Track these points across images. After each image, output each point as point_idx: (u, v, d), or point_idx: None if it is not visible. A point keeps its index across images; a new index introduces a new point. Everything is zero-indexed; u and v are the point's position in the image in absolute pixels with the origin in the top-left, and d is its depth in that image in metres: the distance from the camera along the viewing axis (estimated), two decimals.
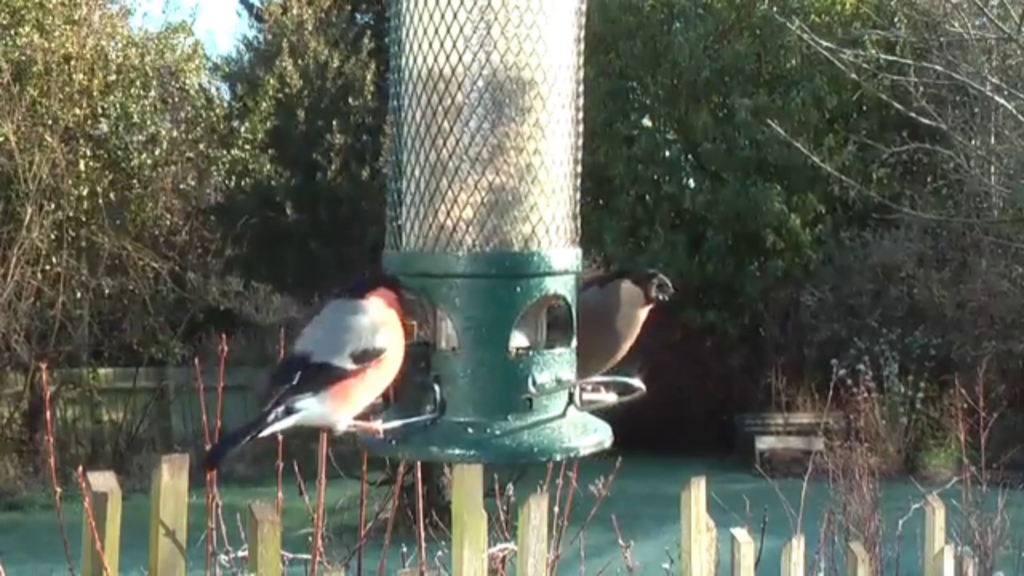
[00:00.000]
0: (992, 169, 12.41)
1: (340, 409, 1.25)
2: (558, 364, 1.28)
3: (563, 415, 1.27)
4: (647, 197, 15.73)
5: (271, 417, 1.22)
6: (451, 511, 2.07)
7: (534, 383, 1.25)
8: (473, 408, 1.25)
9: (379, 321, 1.27)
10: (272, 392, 1.24)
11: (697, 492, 2.49)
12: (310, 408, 1.24)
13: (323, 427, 1.29)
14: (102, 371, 13.98)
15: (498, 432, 1.24)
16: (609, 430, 1.30)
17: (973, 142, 12.25)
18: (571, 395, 1.28)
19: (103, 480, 1.76)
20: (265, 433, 1.24)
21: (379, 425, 1.27)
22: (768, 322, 14.81)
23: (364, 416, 1.28)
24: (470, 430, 1.24)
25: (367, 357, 1.25)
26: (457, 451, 1.25)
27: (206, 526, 2.10)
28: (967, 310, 13.59)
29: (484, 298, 1.25)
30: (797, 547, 2.80)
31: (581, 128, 1.33)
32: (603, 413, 1.34)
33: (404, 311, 1.29)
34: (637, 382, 1.29)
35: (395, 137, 1.34)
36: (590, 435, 1.28)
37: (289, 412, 1.23)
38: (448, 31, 1.26)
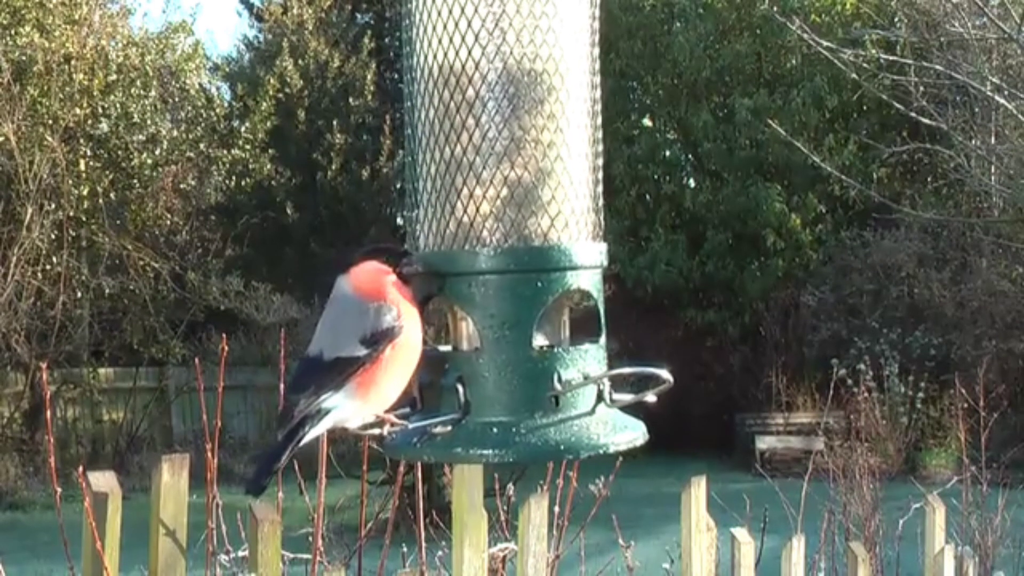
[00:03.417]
0: (992, 169, 12.41)
1: (371, 401, 1.23)
2: (584, 360, 1.26)
3: (592, 412, 1.26)
4: (647, 197, 15.73)
5: (306, 426, 1.20)
6: (451, 511, 2.07)
7: (560, 380, 1.23)
8: (498, 408, 1.23)
9: (377, 299, 1.24)
10: (295, 400, 1.21)
11: (697, 491, 2.49)
12: (340, 405, 1.22)
13: (351, 428, 1.27)
14: (102, 371, 13.98)
15: (524, 431, 1.22)
16: (643, 428, 1.29)
17: (973, 142, 12.25)
18: (600, 392, 1.27)
19: (103, 480, 1.76)
20: (304, 443, 1.21)
21: (395, 418, 1.26)
22: (768, 322, 14.81)
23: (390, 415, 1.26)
24: (495, 430, 1.23)
25: (377, 339, 1.22)
26: (483, 451, 1.23)
27: (206, 526, 2.10)
28: (967, 310, 13.60)
29: (504, 295, 1.24)
30: (797, 547, 2.80)
31: (599, 120, 1.32)
32: (627, 412, 1.32)
33: (402, 281, 1.25)
34: (665, 373, 1.27)
35: (409, 136, 1.33)
36: (621, 432, 1.26)
37: (321, 414, 1.21)
38: (457, 25, 1.25)
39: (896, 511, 4.59)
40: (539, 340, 1.25)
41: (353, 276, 1.27)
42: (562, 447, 1.23)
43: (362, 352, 1.22)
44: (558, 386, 1.23)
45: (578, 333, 1.31)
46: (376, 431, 1.26)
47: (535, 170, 1.25)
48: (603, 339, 1.30)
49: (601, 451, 1.24)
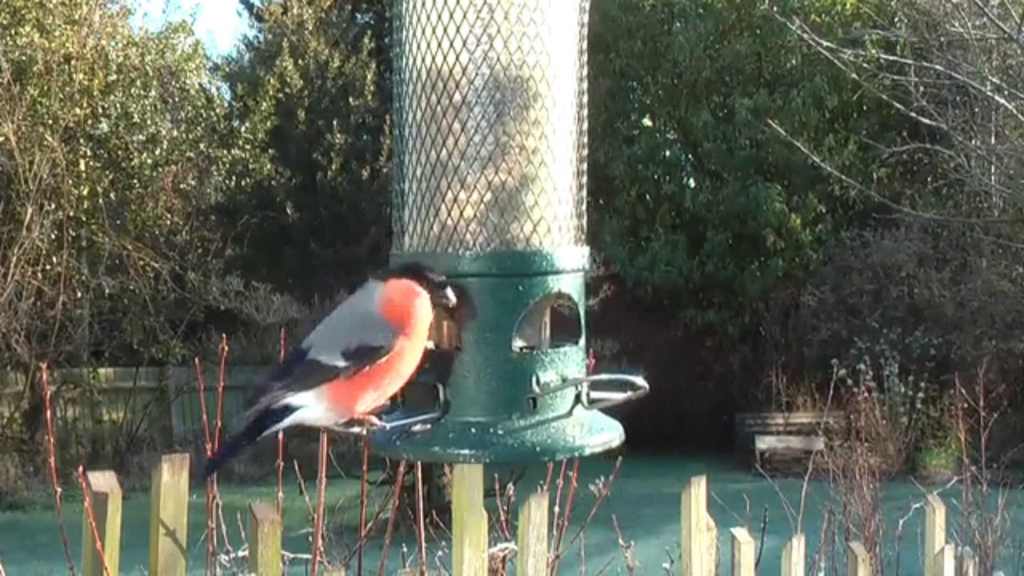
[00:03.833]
0: (992, 169, 12.41)
1: (343, 407, 1.23)
2: (563, 363, 1.27)
3: (569, 414, 1.27)
4: (647, 197, 15.74)
5: (269, 421, 1.20)
6: (451, 511, 2.07)
7: (538, 382, 1.24)
8: (477, 408, 1.24)
9: (383, 312, 1.23)
10: (265, 388, 1.21)
11: (697, 491, 2.49)
12: (309, 406, 1.21)
13: (321, 426, 1.27)
14: (102, 371, 13.98)
15: (502, 432, 1.23)
16: (619, 429, 1.29)
17: (973, 142, 12.25)
18: (578, 394, 1.28)
19: (103, 480, 1.76)
20: (265, 436, 1.22)
21: (376, 420, 1.26)
22: (768, 322, 14.81)
23: (367, 415, 1.26)
24: (474, 430, 1.24)
25: (361, 355, 1.21)
26: (461, 451, 1.24)
27: (206, 526, 2.10)
28: (967, 310, 13.59)
29: (486, 297, 1.25)
30: (797, 547, 2.79)
31: (585, 126, 1.33)
32: (607, 412, 1.33)
33: (433, 306, 1.24)
34: (640, 380, 1.28)
35: (397, 138, 1.34)
36: (597, 434, 1.27)
37: (288, 411, 1.21)
38: (446, 30, 1.26)
39: (896, 511, 4.59)
40: (519, 342, 1.26)
41: (389, 286, 1.25)
42: (538, 449, 1.23)
43: (340, 363, 1.21)
44: (536, 388, 1.24)
45: (561, 334, 1.31)
46: (355, 429, 1.27)
47: (519, 175, 1.26)
48: (583, 341, 1.31)
49: (577, 453, 1.26)
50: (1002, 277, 13.68)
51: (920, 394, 12.86)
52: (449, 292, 1.23)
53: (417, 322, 1.23)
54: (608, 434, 1.28)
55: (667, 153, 15.89)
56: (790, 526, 3.66)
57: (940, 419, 12.57)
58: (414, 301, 1.23)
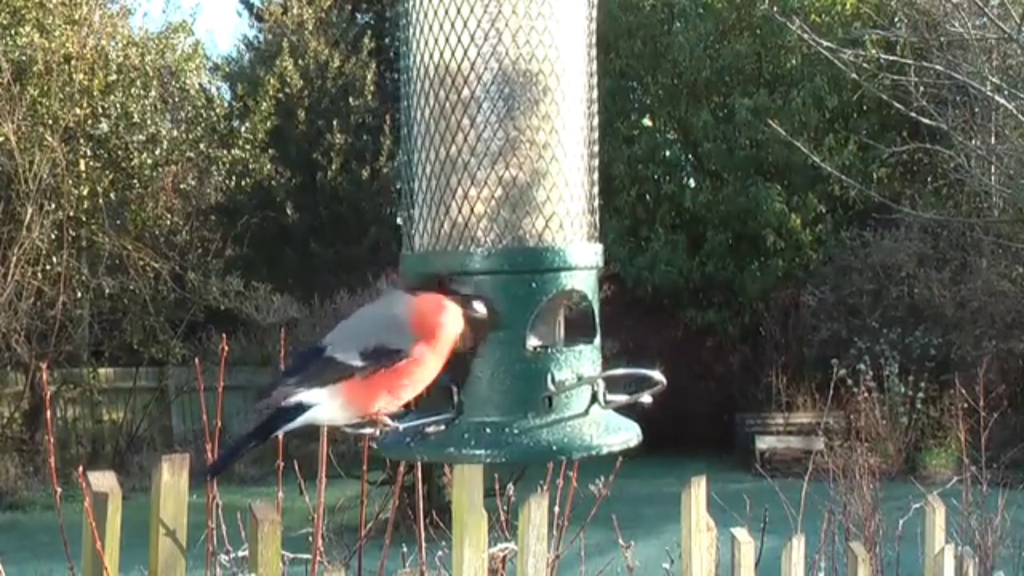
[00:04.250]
0: (992, 169, 12.41)
1: (357, 407, 1.22)
2: (579, 361, 1.26)
3: (585, 413, 1.25)
4: (647, 197, 15.74)
5: (281, 419, 1.19)
6: (451, 511, 2.07)
7: (553, 381, 1.23)
8: (491, 408, 1.23)
9: (410, 320, 1.21)
10: (278, 384, 1.20)
11: (697, 491, 2.49)
12: (322, 404, 1.20)
13: (334, 426, 1.26)
14: (102, 371, 13.98)
15: (517, 431, 1.21)
16: (636, 429, 1.28)
17: (973, 142, 12.24)
18: (594, 393, 1.26)
19: (103, 480, 1.76)
20: (274, 435, 1.20)
21: (389, 420, 1.24)
22: (768, 322, 14.82)
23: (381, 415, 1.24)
24: (488, 430, 1.22)
25: (379, 355, 1.20)
26: (475, 451, 1.22)
27: (206, 526, 2.10)
28: (967, 310, 13.60)
29: (499, 295, 1.23)
30: (797, 547, 2.79)
31: (596, 121, 1.32)
32: (620, 412, 1.32)
33: (464, 321, 1.21)
34: (657, 375, 1.27)
35: (405, 136, 1.33)
36: (614, 433, 1.25)
37: (300, 409, 1.19)
38: (453, 25, 1.24)
39: (896, 511, 4.59)
40: (533, 341, 1.25)
41: (420, 298, 1.23)
42: (555, 448, 1.22)
43: (357, 363, 1.20)
44: (552, 387, 1.23)
45: (575, 333, 1.30)
46: (367, 430, 1.25)
47: (530, 171, 1.25)
48: (598, 340, 1.30)
49: (594, 452, 1.24)
50: (1002, 277, 13.68)
51: (920, 394, 12.86)
52: (478, 305, 1.21)
53: (444, 335, 1.21)
54: (626, 434, 1.27)
55: (667, 153, 15.89)
56: (790, 526, 3.66)
57: (940, 419, 12.57)
58: (444, 314, 1.21)
